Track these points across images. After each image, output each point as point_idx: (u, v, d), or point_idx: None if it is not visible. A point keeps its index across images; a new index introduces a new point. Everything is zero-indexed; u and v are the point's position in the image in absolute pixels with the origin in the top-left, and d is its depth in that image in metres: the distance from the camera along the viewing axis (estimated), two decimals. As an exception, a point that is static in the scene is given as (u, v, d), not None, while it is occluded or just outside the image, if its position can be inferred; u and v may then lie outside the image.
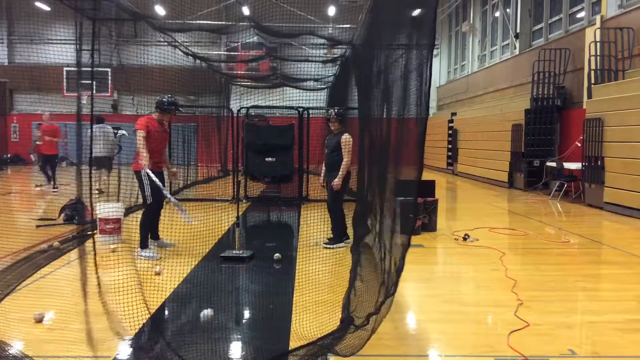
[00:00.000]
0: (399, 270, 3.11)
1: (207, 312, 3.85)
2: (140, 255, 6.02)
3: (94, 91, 4.74)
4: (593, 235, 8.18)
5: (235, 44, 19.59)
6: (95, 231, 6.50)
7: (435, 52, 24.66)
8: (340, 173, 6.57)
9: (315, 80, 12.96)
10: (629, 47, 11.32)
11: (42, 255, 6.03)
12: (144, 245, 6.14)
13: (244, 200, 10.78)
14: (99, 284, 3.03)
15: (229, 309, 4.57)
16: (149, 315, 3.83)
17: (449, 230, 8.09)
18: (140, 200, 6.43)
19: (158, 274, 5.37)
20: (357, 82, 8.22)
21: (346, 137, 6.64)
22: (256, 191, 12.29)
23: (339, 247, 6.70)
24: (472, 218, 9.46)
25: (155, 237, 6.49)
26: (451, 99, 24.26)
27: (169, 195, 6.17)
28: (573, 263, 6.49)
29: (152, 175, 5.87)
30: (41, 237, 6.88)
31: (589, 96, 11.85)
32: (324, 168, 7.01)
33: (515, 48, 17.64)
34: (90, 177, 4.64)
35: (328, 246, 6.72)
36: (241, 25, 8.03)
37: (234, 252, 6.22)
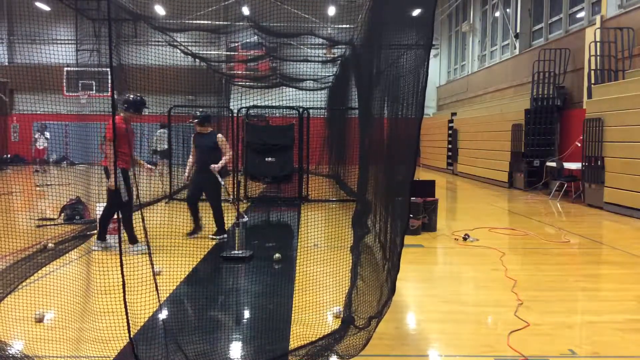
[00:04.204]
0: (395, 270, 3.11)
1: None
2: (99, 247, 6.21)
3: (94, 91, 4.73)
4: (593, 235, 8.18)
5: (235, 44, 19.57)
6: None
7: (435, 52, 24.71)
8: (221, 162, 6.89)
9: (315, 80, 12.97)
10: (629, 47, 11.33)
11: (42, 254, 6.03)
12: (102, 237, 6.28)
13: (244, 201, 10.77)
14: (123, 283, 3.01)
15: (229, 309, 4.57)
16: (150, 316, 3.83)
17: (449, 230, 8.09)
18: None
19: (158, 274, 5.35)
20: (357, 82, 8.23)
21: (220, 136, 7.18)
22: (256, 191, 12.29)
23: (222, 239, 7.00)
24: (472, 218, 9.46)
25: (134, 240, 6.27)
26: (451, 99, 24.25)
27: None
28: (573, 263, 6.49)
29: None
30: (41, 236, 6.88)
31: (589, 96, 11.86)
32: (188, 166, 7.29)
33: (515, 48, 17.64)
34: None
35: (213, 237, 7.06)
36: (241, 25, 8.05)
37: (234, 252, 6.22)
